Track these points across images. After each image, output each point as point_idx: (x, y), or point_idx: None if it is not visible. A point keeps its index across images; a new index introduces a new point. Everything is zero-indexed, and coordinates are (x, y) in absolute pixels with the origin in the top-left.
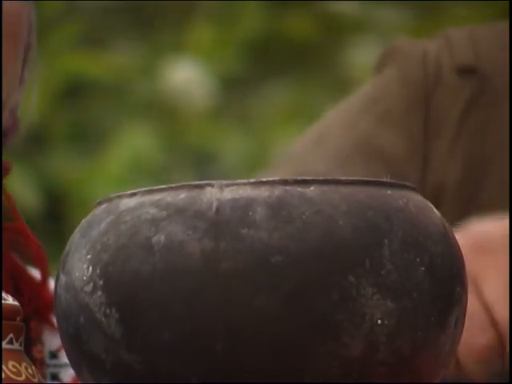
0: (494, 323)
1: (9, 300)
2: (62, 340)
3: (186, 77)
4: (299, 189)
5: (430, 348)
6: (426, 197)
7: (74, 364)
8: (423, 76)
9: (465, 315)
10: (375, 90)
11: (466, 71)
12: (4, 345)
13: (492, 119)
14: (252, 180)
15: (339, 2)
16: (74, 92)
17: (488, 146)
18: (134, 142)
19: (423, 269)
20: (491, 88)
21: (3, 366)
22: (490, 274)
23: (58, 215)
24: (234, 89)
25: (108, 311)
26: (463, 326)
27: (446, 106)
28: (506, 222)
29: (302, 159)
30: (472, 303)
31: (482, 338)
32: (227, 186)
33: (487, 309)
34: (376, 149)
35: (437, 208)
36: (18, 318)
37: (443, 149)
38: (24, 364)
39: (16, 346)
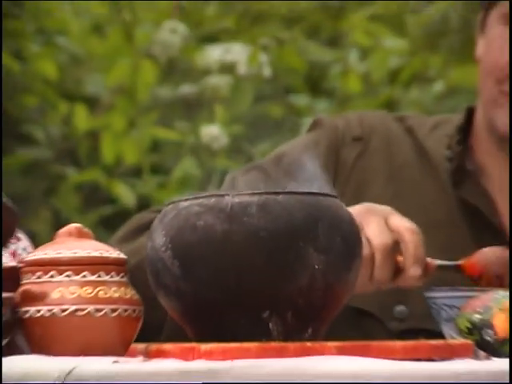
0: (369, 244)
1: (114, 254)
2: (149, 278)
3: None
4: (274, 196)
5: (343, 281)
6: None
7: (155, 290)
8: (337, 139)
9: (361, 265)
10: (311, 139)
11: (356, 139)
12: (108, 278)
13: (369, 166)
14: (250, 191)
15: None
16: None
17: (366, 177)
18: None
19: (339, 238)
20: (369, 148)
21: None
22: (371, 220)
23: None
24: None
25: (173, 261)
26: (359, 270)
27: (345, 157)
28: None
29: (266, 170)
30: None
31: (364, 250)
32: (236, 195)
33: (367, 238)
34: None
35: None
36: (124, 268)
37: (343, 177)
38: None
39: (117, 278)
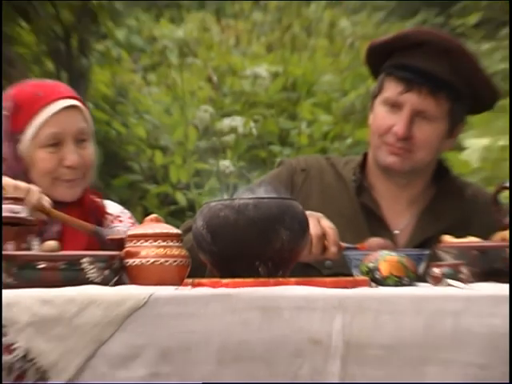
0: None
1: (175, 231)
2: (194, 244)
3: None
4: (261, 200)
5: (299, 246)
6: None
7: (198, 251)
8: (292, 171)
9: (309, 236)
10: (278, 172)
11: (303, 170)
12: (172, 243)
13: (310, 186)
14: (249, 196)
15: None
16: None
17: (308, 193)
18: None
19: (297, 222)
20: (310, 175)
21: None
22: (310, 220)
23: None
24: None
25: (207, 235)
26: (308, 241)
27: (297, 182)
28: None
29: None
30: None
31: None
32: (241, 199)
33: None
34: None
35: None
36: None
37: (295, 193)
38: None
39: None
